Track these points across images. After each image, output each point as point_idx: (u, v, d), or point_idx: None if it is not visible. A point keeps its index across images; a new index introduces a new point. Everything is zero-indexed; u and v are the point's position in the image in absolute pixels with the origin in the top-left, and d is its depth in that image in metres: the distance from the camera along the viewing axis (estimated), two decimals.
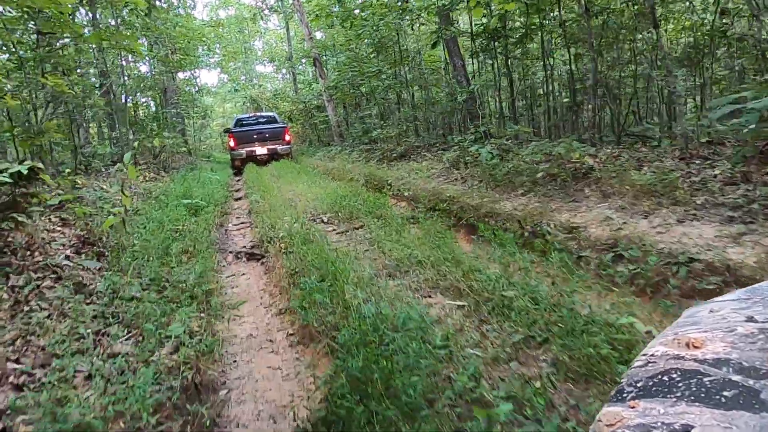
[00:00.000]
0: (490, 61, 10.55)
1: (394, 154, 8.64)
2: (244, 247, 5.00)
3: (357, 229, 4.53)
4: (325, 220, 5.07)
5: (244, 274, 4.24)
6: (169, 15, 14.83)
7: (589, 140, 5.84)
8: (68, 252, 3.51)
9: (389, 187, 6.70)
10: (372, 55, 12.55)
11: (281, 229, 4.52)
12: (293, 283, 3.22)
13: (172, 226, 4.64)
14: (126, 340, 2.28)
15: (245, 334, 2.81)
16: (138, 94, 14.14)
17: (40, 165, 2.96)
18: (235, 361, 2.46)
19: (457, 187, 5.54)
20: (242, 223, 6.26)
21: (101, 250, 3.52)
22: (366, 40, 13.15)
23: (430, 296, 2.54)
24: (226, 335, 2.73)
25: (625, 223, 3.15)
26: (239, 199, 8.62)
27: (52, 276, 2.94)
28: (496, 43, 9.79)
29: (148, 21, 9.93)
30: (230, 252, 4.91)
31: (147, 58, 14.18)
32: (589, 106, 7.78)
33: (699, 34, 7.51)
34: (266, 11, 30.30)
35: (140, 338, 2.30)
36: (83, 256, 3.53)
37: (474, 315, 2.23)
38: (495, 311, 2.16)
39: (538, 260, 2.72)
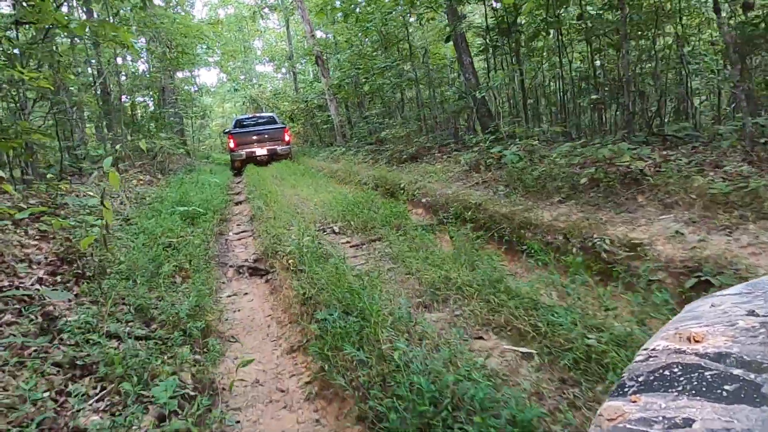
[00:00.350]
0: (499, 58, 10.07)
1: (404, 156, 8.13)
2: (247, 260, 4.49)
3: (374, 241, 4.01)
4: (337, 231, 4.56)
5: (246, 293, 3.73)
6: (167, 11, 14.33)
7: (621, 140, 5.33)
8: (41, 273, 3.00)
9: (402, 191, 6.19)
10: (376, 52, 12.05)
11: (288, 242, 4.01)
12: (307, 313, 2.71)
13: (166, 238, 4.13)
14: (98, 401, 1.76)
15: (250, 379, 2.30)
16: (135, 93, 13.69)
17: (1, 173, 2.44)
18: (238, 422, 1.95)
19: (481, 192, 5.03)
20: (243, 231, 5.75)
21: (80, 271, 3.01)
22: (371, 37, 12.68)
23: (482, 338, 2.03)
24: (227, 381, 2.22)
25: (702, 240, 2.64)
26: (240, 203, 8.11)
27: (17, 307, 2.43)
28: (508, 39, 9.32)
29: (144, 15, 9.41)
30: (231, 266, 4.40)
31: (144, 55, 13.71)
32: (615, 103, 7.29)
33: (733, 28, 7.02)
34: (266, 9, 29.81)
35: (116, 398, 1.79)
36: (59, 277, 3.02)
37: (549, 370, 1.72)
38: (579, 367, 1.65)
39: (613, 291, 2.20)
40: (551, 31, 8.73)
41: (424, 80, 9.57)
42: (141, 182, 7.68)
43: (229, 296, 3.69)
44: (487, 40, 9.91)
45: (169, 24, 11.98)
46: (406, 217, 4.58)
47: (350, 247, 3.98)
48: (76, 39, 9.51)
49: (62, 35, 9.36)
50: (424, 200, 5.25)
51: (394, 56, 11.09)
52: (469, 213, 4.43)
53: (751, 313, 0.63)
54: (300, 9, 17.18)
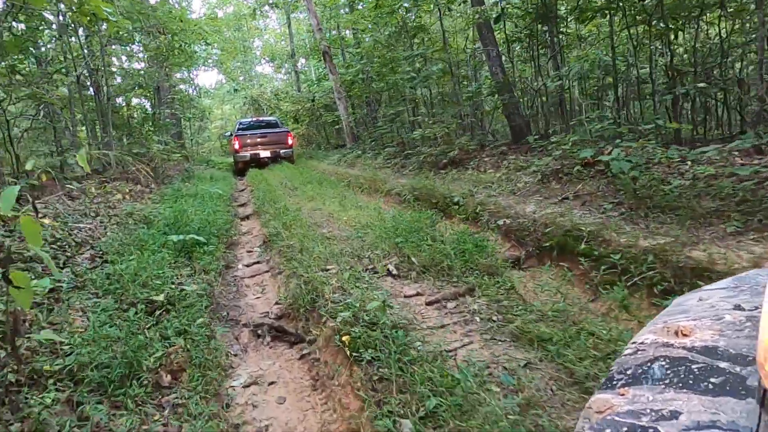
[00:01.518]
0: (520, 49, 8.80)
1: (443, 160, 6.80)
2: (267, 315, 3.17)
3: (462, 295, 2.68)
4: (393, 271, 3.23)
5: (273, 382, 2.41)
6: (163, 4, 13.02)
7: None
8: None
9: (457, 207, 4.87)
10: (394, 44, 10.74)
11: (330, 292, 2.70)
12: None
13: (151, 290, 2.81)
14: None
15: None
16: (128, 92, 12.44)
17: None
18: None
19: (579, 212, 3.71)
20: (257, 263, 4.42)
21: None
22: (387, 28, 11.40)
23: None
24: None
25: None
26: (247, 218, 6.81)
27: None
28: (550, 25, 8.05)
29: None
30: (244, 325, 3.08)
31: (135, 46, 12.41)
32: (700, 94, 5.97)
33: None
34: (266, 7, 28.56)
35: None
36: None
37: None
38: None
39: None
40: (607, 14, 7.43)
41: (455, 73, 8.24)
42: (129, 195, 6.35)
43: (246, 386, 2.37)
44: (522, 27, 8.65)
45: (162, 14, 10.68)
46: (489, 251, 3.25)
47: (427, 304, 2.65)
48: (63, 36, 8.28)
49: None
50: (500, 222, 3.91)
51: (415, 47, 9.82)
52: (584, 245, 3.11)
53: (738, 307, 0.63)
54: (306, 1, 15.89)
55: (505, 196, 4.69)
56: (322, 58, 16.43)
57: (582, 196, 4.00)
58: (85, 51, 8.44)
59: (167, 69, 13.70)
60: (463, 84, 9.93)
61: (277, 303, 3.30)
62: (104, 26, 9.43)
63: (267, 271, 4.08)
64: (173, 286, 2.97)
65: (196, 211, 5.41)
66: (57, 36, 8.66)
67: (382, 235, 3.86)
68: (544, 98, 6.79)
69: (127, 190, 6.05)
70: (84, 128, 11.47)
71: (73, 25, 8.31)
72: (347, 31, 19.32)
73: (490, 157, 6.35)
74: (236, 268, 4.30)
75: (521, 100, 8.37)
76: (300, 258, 3.57)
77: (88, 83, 9.21)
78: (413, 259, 3.28)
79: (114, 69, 12.45)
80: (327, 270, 3.24)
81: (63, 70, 8.15)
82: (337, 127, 17.17)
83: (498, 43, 9.21)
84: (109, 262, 3.48)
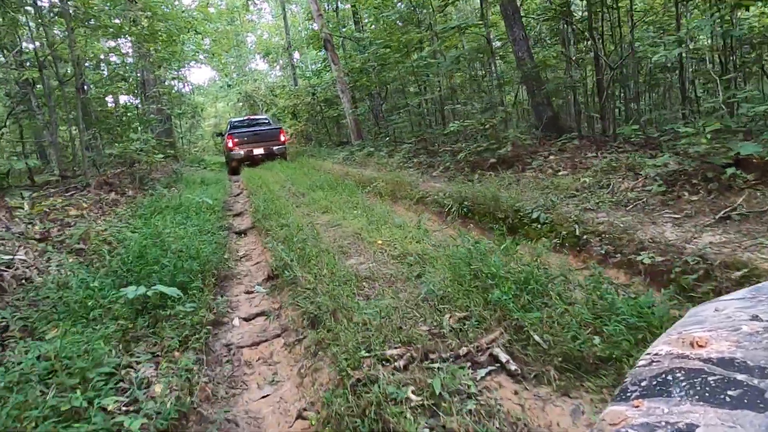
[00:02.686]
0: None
1: (490, 159, 5.40)
2: None
3: None
4: (511, 365, 1.83)
5: None
6: None
7: None
8: None
9: (538, 226, 3.48)
10: (409, 23, 9.33)
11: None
12: None
13: None
14: None
15: None
16: (109, 86, 11.02)
17: None
18: None
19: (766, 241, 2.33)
20: (260, 314, 3.02)
21: None
22: (395, 13, 10.01)
23: None
24: None
25: None
26: (244, 234, 5.42)
27: None
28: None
29: None
30: None
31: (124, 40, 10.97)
32: None
33: None
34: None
35: None
36: None
37: None
38: None
39: None
40: None
41: (495, 50, 6.82)
42: (90, 209, 4.90)
43: None
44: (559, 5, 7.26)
45: None
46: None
47: None
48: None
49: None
50: (643, 259, 2.52)
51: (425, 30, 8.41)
52: None
53: (755, 317, 0.61)
54: None
55: (611, 211, 3.31)
56: (323, 46, 14.96)
57: (760, 215, 2.62)
58: (41, 32, 6.99)
59: (152, 58, 12.24)
60: (483, 75, 8.55)
61: (301, 417, 1.90)
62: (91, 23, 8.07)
63: (278, 335, 2.68)
64: (113, 409, 1.57)
65: (175, 232, 4.00)
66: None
67: (459, 282, 2.46)
68: (628, 79, 5.36)
69: (85, 205, 4.59)
70: (62, 127, 10.06)
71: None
72: (348, 22, 17.89)
73: (557, 155, 4.95)
74: (230, 325, 2.90)
75: (576, 83, 6.97)
76: (332, 326, 2.18)
77: (55, 72, 7.78)
78: (536, 337, 1.89)
79: (94, 59, 11.07)
80: (389, 359, 1.85)
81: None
82: (343, 121, 15.72)
83: (524, 26, 7.85)
84: (17, 341, 2.07)
